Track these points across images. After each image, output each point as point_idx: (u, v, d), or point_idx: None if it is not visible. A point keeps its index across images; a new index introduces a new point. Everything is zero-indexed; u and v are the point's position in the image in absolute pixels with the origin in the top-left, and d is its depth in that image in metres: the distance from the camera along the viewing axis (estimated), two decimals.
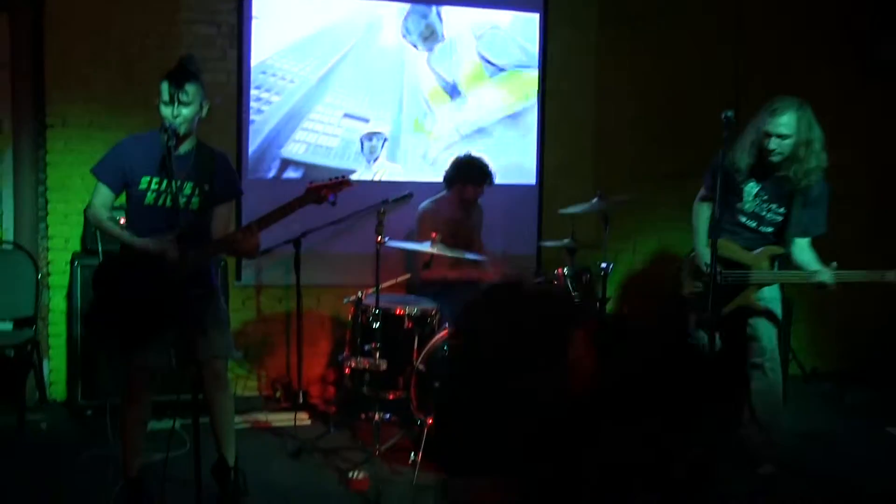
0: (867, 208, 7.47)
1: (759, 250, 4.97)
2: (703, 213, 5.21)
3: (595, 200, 5.76)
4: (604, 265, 5.70)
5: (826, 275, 4.75)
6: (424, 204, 6.20)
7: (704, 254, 5.03)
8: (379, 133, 6.71)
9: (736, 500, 4.63)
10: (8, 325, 5.82)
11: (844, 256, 4.88)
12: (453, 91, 6.85)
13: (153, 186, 4.10)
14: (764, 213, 4.97)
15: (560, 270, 5.46)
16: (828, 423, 6.27)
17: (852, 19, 7.53)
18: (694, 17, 7.29)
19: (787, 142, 4.72)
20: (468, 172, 6.07)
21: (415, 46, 6.75)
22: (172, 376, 4.31)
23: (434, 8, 6.76)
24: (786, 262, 5.04)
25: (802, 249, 4.92)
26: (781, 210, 4.93)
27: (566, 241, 5.80)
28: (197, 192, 4.15)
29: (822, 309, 7.63)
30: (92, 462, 4.92)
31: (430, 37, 6.81)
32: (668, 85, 7.19)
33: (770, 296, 5.06)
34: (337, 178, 4.20)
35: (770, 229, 4.98)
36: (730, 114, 4.49)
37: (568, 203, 6.02)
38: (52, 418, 5.74)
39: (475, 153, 6.23)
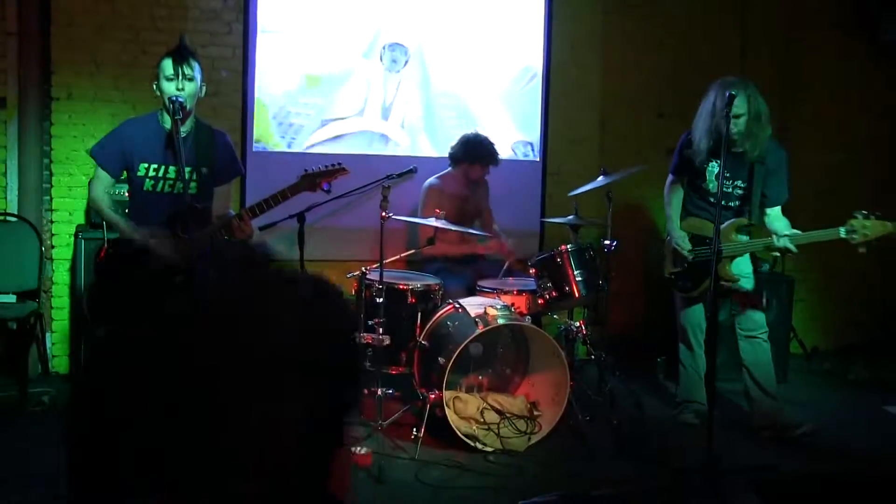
0: (871, 182, 7.45)
1: (725, 224, 5.12)
2: (676, 197, 5.47)
3: (600, 178, 5.76)
4: (607, 242, 5.70)
5: (784, 241, 4.95)
6: (430, 180, 6.20)
7: (679, 236, 5.36)
8: (402, 46, 6.70)
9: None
10: (11, 298, 5.82)
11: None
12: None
13: (151, 173, 4.11)
14: (729, 190, 5.17)
15: (564, 247, 5.46)
16: (827, 401, 6.30)
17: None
18: None
19: (742, 120, 4.95)
20: (475, 152, 6.07)
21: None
22: None
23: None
24: (757, 231, 5.27)
25: (776, 218, 5.17)
26: (742, 185, 5.17)
27: (570, 217, 5.80)
28: (195, 175, 4.15)
29: (823, 288, 7.66)
30: None
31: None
32: (672, 60, 7.17)
33: (747, 272, 5.25)
34: (332, 165, 4.18)
35: (735, 203, 5.21)
36: (734, 91, 4.76)
37: (571, 179, 6.02)
38: (54, 391, 5.74)
39: (482, 132, 6.24)
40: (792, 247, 4.93)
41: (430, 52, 6.76)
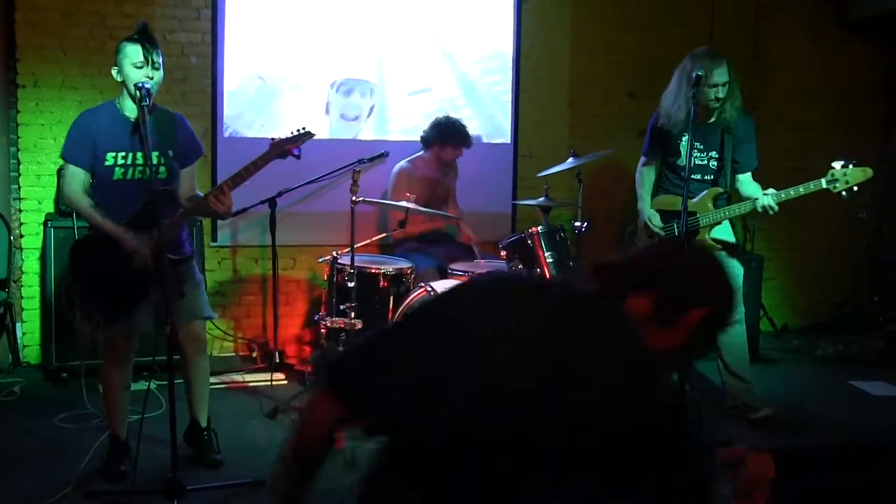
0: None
1: (700, 195, 5.20)
2: (647, 177, 5.51)
3: (570, 160, 5.77)
4: (578, 224, 5.72)
5: (766, 198, 4.99)
6: (400, 163, 6.21)
7: (650, 214, 5.40)
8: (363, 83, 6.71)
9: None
10: None
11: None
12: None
13: (119, 161, 4.08)
14: (705, 163, 5.22)
15: (534, 229, 5.47)
16: (796, 377, 6.39)
17: None
18: None
19: (725, 87, 5.01)
20: (447, 134, 6.09)
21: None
22: (148, 339, 4.33)
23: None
24: (727, 200, 5.29)
25: (746, 183, 5.23)
26: (715, 155, 5.21)
27: (541, 199, 5.81)
28: (163, 160, 4.13)
29: (792, 266, 7.74)
30: (67, 425, 4.93)
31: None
32: (642, 41, 7.19)
33: (728, 250, 5.26)
34: (298, 130, 4.17)
35: (710, 176, 5.25)
36: (700, 72, 4.83)
37: (543, 160, 6.03)
38: (25, 381, 5.74)
39: (453, 115, 6.25)
40: (774, 204, 4.96)
41: (399, 43, 6.75)
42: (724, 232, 5.28)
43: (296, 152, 4.12)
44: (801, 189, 4.93)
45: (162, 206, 3.97)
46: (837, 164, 4.87)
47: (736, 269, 5.25)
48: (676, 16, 7.21)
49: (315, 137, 4.31)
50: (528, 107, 7.11)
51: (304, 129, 4.16)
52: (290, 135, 4.15)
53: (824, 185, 4.86)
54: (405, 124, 6.73)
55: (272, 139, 4.17)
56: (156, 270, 3.95)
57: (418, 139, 6.27)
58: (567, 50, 7.17)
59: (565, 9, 7.14)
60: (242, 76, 6.42)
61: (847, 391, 6.08)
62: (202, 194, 4.23)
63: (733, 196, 5.30)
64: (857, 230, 7.53)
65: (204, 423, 4.48)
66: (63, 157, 4.19)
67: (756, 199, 5.03)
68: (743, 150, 5.18)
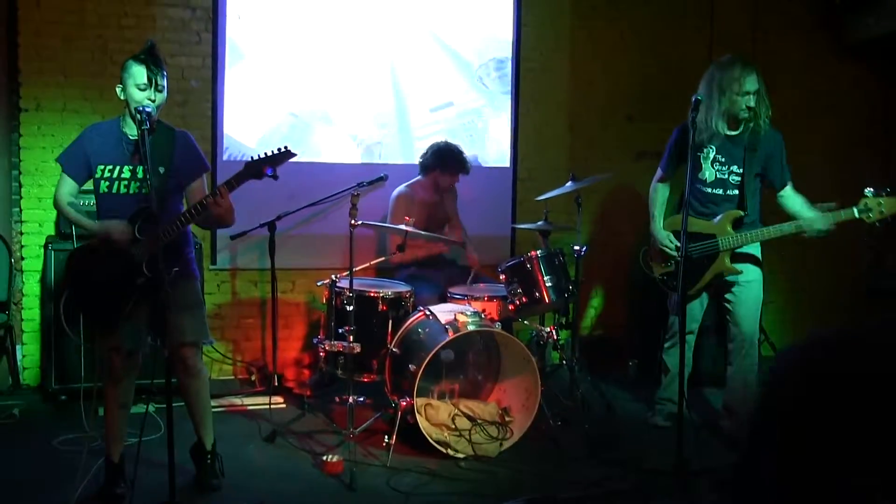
0: (838, 182, 7.52)
1: (719, 217, 5.10)
2: (661, 195, 5.38)
3: (569, 183, 5.79)
4: (577, 247, 5.73)
5: (820, 221, 4.83)
6: (399, 188, 6.24)
7: (664, 236, 5.27)
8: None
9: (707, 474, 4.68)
10: None
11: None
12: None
13: (105, 174, 4.12)
14: (726, 177, 5.09)
15: (534, 253, 5.49)
16: None
17: (823, 1, 7.58)
18: None
19: (756, 95, 4.92)
20: (445, 161, 6.13)
21: None
22: (146, 361, 4.33)
23: None
24: (762, 223, 5.15)
25: (789, 197, 5.06)
26: (739, 170, 5.07)
27: (540, 223, 5.83)
28: (148, 176, 4.12)
29: (794, 289, 7.73)
30: (66, 447, 4.93)
31: None
32: (640, 64, 7.23)
33: (751, 278, 5.16)
34: (278, 149, 4.08)
35: (735, 192, 5.10)
36: (700, 96, 4.72)
37: (542, 184, 6.06)
38: (25, 403, 5.74)
39: (452, 141, 6.29)
40: (824, 229, 4.81)
41: (401, 67, 6.79)
42: (755, 278, 5.16)
43: (269, 172, 4.02)
44: (832, 217, 4.80)
45: (148, 221, 3.98)
46: (869, 193, 4.72)
47: (745, 328, 5.17)
48: (674, 39, 7.25)
49: (296, 159, 4.21)
50: (527, 130, 7.14)
51: (284, 148, 4.06)
52: (266, 154, 4.08)
53: (856, 215, 4.73)
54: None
55: (250, 157, 4.10)
56: (150, 281, 3.95)
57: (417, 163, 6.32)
58: (566, 74, 7.21)
59: (564, 33, 7.18)
60: (275, 116, 6.55)
61: None
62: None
63: (766, 216, 5.17)
64: (859, 253, 7.53)
65: (209, 446, 4.46)
66: (58, 161, 4.27)
67: (799, 224, 4.88)
68: (774, 165, 5.06)
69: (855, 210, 4.74)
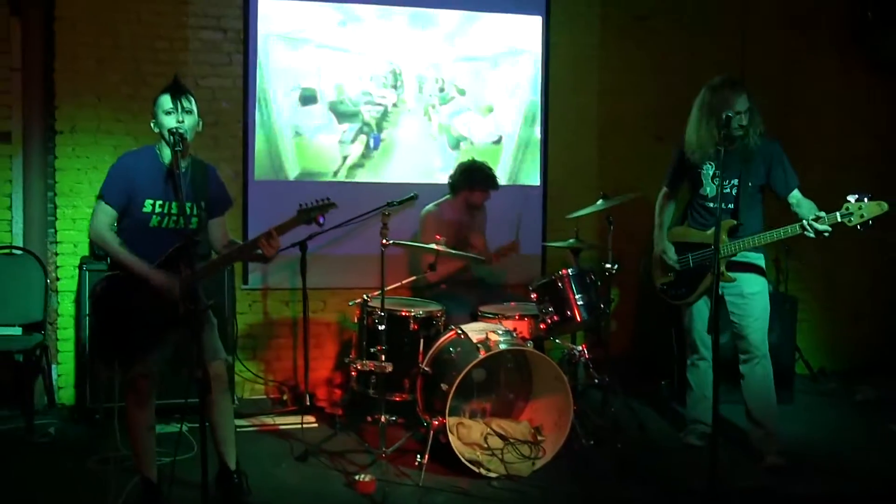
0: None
1: (713, 227, 5.05)
2: (666, 210, 5.52)
3: (599, 202, 5.79)
4: (608, 266, 5.72)
5: (812, 225, 4.79)
6: (427, 207, 6.26)
7: (665, 246, 5.41)
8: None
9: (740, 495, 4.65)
10: (17, 330, 5.85)
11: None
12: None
13: (157, 209, 4.14)
14: (727, 190, 5.15)
15: (565, 271, 5.48)
16: (834, 421, 6.28)
17: (856, 17, 7.54)
18: (696, 15, 7.32)
19: (747, 114, 5.01)
20: (475, 178, 6.15)
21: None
22: (179, 381, 4.34)
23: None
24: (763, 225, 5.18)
25: (799, 203, 5.07)
26: (735, 182, 5.14)
27: (570, 241, 5.82)
28: (194, 210, 4.17)
29: (828, 307, 7.66)
30: (101, 466, 4.95)
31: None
32: (670, 84, 7.19)
33: (755, 290, 5.19)
34: (322, 200, 4.16)
35: (732, 205, 5.17)
36: (730, 113, 4.77)
37: (572, 203, 6.05)
38: (60, 423, 5.79)
39: (479, 159, 6.30)
40: (826, 227, 4.75)
41: (429, 85, 6.83)
42: (758, 290, 5.18)
43: (321, 220, 4.16)
44: (818, 225, 4.76)
45: (191, 255, 4.02)
46: (852, 198, 4.77)
47: (753, 338, 5.15)
48: (705, 60, 7.21)
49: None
50: (557, 150, 7.14)
51: (326, 199, 4.15)
52: (314, 203, 4.15)
53: (839, 219, 4.72)
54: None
55: (301, 205, 4.17)
56: (185, 311, 3.98)
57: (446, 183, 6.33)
58: (595, 93, 7.21)
59: (593, 52, 7.19)
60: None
61: (888, 437, 5.96)
62: (238, 241, 4.28)
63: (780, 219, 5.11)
64: (890, 270, 7.45)
65: (233, 467, 4.47)
66: (100, 193, 4.22)
67: (802, 223, 4.85)
68: (777, 173, 5.11)
69: (837, 214, 4.74)
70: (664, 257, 5.40)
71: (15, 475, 4.88)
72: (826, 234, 4.79)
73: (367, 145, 6.80)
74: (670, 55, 7.26)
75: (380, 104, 6.80)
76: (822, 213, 4.77)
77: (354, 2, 6.67)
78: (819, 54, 7.53)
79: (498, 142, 7.03)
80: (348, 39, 6.70)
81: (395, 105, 6.82)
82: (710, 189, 5.21)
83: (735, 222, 5.11)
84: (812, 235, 4.81)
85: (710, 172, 5.20)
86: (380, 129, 6.80)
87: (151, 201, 4.15)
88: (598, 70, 7.21)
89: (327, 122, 6.68)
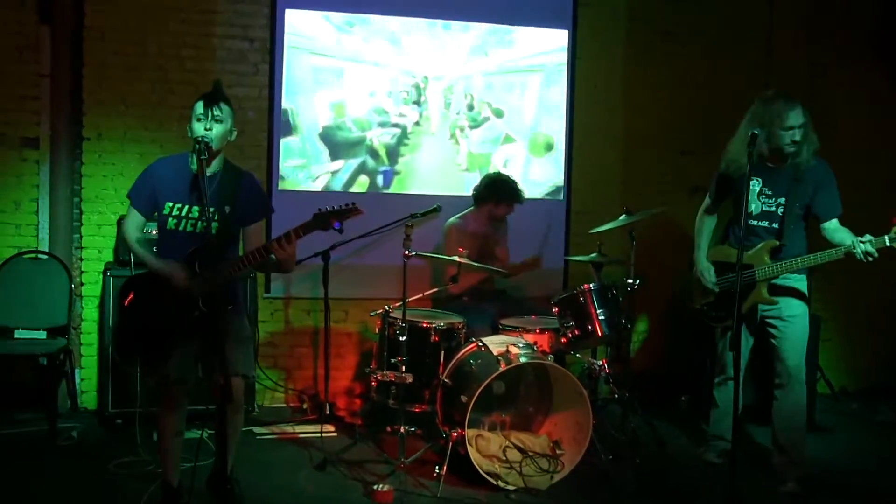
0: None
1: (756, 247, 5.05)
2: (707, 226, 5.38)
3: (622, 217, 5.78)
4: (630, 280, 5.71)
5: (866, 245, 4.69)
6: (451, 219, 6.28)
7: (705, 267, 5.26)
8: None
9: None
10: (41, 334, 5.91)
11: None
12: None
13: (174, 212, 4.17)
14: (772, 209, 5.06)
15: (587, 286, 5.48)
16: (855, 442, 6.24)
17: (881, 32, 7.50)
18: (722, 31, 7.31)
19: (801, 130, 4.88)
20: (500, 192, 6.17)
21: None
22: (201, 388, 4.36)
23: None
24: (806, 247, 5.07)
25: (836, 230, 4.97)
26: (783, 201, 5.03)
27: (593, 255, 5.82)
28: (216, 215, 4.17)
29: (850, 326, 7.61)
30: (121, 470, 4.99)
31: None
32: (695, 99, 7.20)
33: (795, 313, 5.07)
34: (345, 205, 4.12)
35: (777, 225, 5.06)
36: (757, 131, 4.59)
37: (595, 217, 6.05)
38: (83, 426, 5.82)
39: (504, 172, 6.31)
40: (873, 250, 4.67)
41: (456, 96, 6.83)
42: (799, 313, 5.07)
43: (337, 226, 4.07)
44: (875, 242, 4.68)
45: (209, 258, 4.04)
46: None
47: (790, 363, 5.06)
48: (730, 74, 7.21)
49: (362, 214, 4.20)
50: (581, 163, 7.14)
51: (351, 204, 4.09)
52: (334, 208, 4.09)
53: (888, 243, 4.63)
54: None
55: (318, 209, 4.14)
56: (201, 314, 4.00)
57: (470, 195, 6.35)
58: (620, 107, 7.21)
59: (618, 67, 7.19)
60: None
61: None
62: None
63: (813, 244, 5.07)
64: None
65: (228, 473, 4.44)
66: (128, 196, 4.33)
67: (849, 245, 4.76)
68: (823, 196, 4.99)
69: (886, 238, 4.65)
70: (704, 279, 5.29)
71: (37, 477, 4.92)
72: (871, 259, 4.70)
73: (374, 184, 6.77)
74: (695, 70, 7.25)
75: (397, 125, 6.78)
76: (870, 236, 4.68)
77: (371, 13, 6.69)
78: (845, 69, 7.49)
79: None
80: (353, 47, 6.72)
81: (417, 124, 6.82)
82: (754, 206, 5.07)
83: (778, 243, 5.01)
84: (861, 258, 4.70)
85: (757, 189, 5.06)
86: (393, 159, 6.78)
87: (171, 204, 4.19)
88: (623, 85, 7.21)
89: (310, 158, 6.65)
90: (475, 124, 6.88)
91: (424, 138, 6.80)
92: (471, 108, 6.85)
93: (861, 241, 4.70)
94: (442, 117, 6.83)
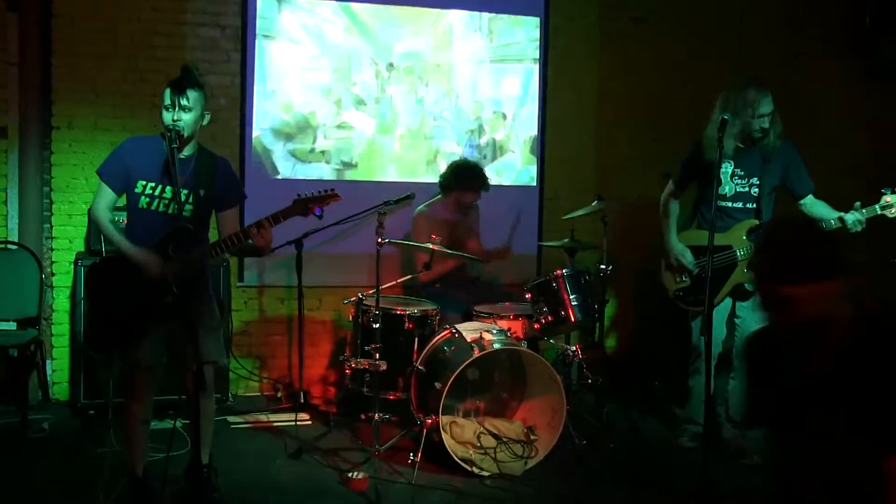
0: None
1: (733, 227, 5.15)
2: (674, 210, 5.45)
3: (595, 202, 5.80)
4: (603, 266, 5.73)
5: (855, 214, 4.89)
6: (419, 208, 6.27)
7: (680, 250, 5.33)
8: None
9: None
10: (12, 325, 5.85)
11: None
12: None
13: (147, 191, 4.13)
14: (746, 190, 5.17)
15: (560, 271, 5.49)
16: None
17: (853, 22, 7.54)
18: (695, 17, 7.33)
19: (769, 117, 5.05)
20: (465, 179, 6.14)
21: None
22: (173, 377, 4.34)
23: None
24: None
25: (813, 204, 5.16)
26: (756, 181, 5.16)
27: (565, 241, 5.84)
28: (191, 198, 4.16)
29: None
30: (94, 462, 4.96)
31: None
32: (668, 85, 7.22)
33: None
34: (324, 191, 4.16)
35: (753, 205, 5.17)
36: (727, 116, 4.71)
37: (568, 203, 6.06)
38: (54, 418, 5.78)
39: (471, 159, 6.31)
40: (863, 218, 4.88)
41: (428, 80, 6.83)
42: None
43: (318, 212, 4.11)
44: (865, 212, 4.89)
45: (183, 242, 4.02)
46: (887, 191, 4.87)
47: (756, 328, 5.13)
48: (704, 61, 7.23)
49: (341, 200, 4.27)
50: (554, 149, 7.15)
51: (330, 190, 4.14)
52: (314, 194, 4.13)
53: (878, 211, 4.85)
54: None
55: (298, 195, 4.16)
56: (173, 298, 3.97)
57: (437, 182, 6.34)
58: (593, 93, 7.22)
59: (590, 53, 7.20)
60: None
61: None
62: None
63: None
64: (888, 276, 7.45)
65: (205, 461, 4.44)
66: (98, 172, 4.26)
67: (838, 217, 4.93)
68: (794, 174, 5.17)
69: (877, 207, 4.84)
70: (682, 262, 5.32)
71: (9, 470, 4.88)
72: (860, 228, 4.86)
73: (344, 172, 6.77)
74: (668, 57, 7.27)
75: (366, 112, 6.76)
76: (858, 204, 4.86)
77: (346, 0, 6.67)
78: (817, 60, 7.52)
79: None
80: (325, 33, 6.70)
81: (386, 110, 6.80)
82: (728, 188, 5.18)
83: (757, 222, 5.12)
84: (851, 227, 4.86)
85: (730, 171, 5.18)
86: (363, 146, 6.77)
87: (144, 182, 4.14)
88: (596, 71, 7.22)
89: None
90: (447, 112, 6.88)
91: (396, 125, 6.80)
92: (445, 95, 6.85)
93: (853, 211, 4.86)
94: (416, 103, 6.82)
